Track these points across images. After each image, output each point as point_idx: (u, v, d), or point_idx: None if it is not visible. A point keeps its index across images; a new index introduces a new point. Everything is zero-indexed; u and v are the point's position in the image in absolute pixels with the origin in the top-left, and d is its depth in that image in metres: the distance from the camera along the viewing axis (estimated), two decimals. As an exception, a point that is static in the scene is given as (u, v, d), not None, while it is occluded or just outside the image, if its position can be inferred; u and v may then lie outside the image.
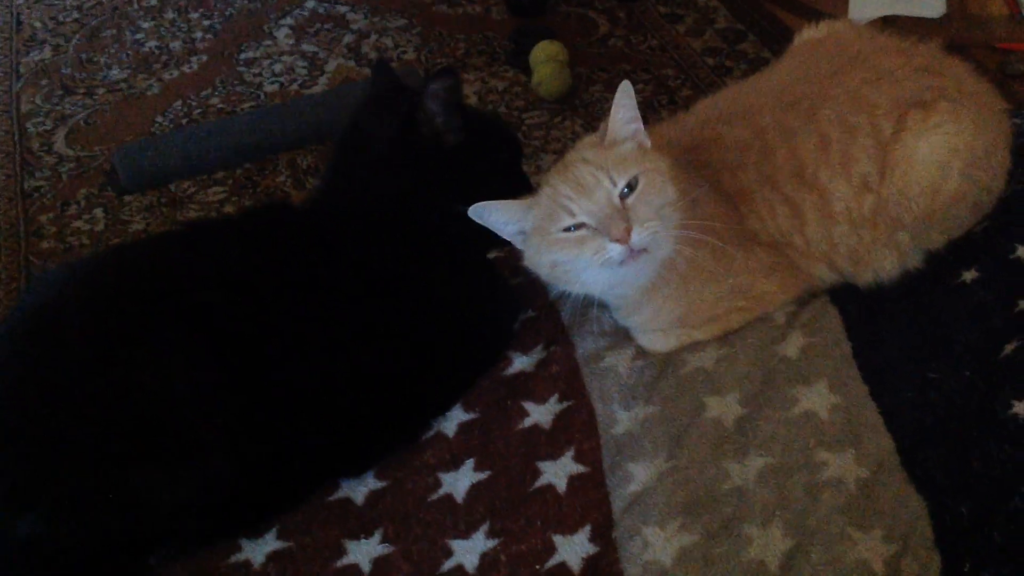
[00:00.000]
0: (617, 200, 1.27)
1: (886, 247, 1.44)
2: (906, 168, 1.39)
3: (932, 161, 1.38)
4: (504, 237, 1.36)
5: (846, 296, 1.47)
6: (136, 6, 2.95)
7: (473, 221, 1.32)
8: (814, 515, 1.22)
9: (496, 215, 1.33)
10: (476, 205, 1.30)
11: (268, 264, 1.34)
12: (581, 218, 1.27)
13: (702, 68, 2.51)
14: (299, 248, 1.38)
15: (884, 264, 1.45)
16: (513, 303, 1.51)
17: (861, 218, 1.41)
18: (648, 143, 1.34)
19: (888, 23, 2.17)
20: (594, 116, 2.36)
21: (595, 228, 1.27)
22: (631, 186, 1.28)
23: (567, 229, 1.28)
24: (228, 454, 1.23)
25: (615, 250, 1.26)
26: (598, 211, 1.27)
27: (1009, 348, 1.34)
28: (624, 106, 1.32)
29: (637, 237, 1.25)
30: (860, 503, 1.22)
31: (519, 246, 1.36)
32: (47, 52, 2.77)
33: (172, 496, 1.22)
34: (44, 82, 2.64)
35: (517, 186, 1.44)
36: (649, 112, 2.38)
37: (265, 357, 1.28)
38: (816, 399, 1.34)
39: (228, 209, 2.18)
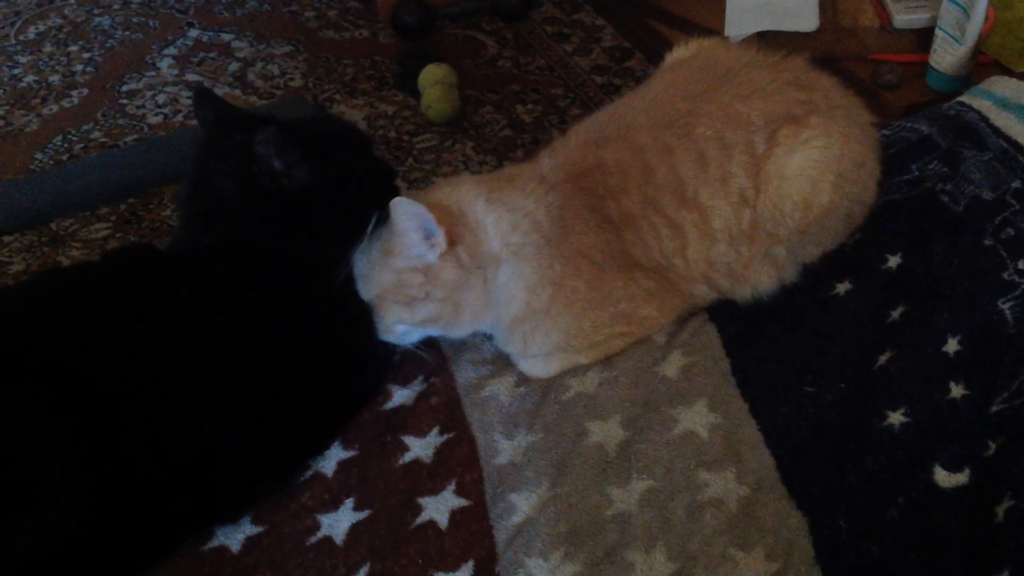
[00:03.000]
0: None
1: (763, 262, 1.45)
2: (779, 183, 1.40)
3: (804, 175, 1.40)
4: None
5: (724, 313, 1.47)
6: (12, 40, 2.87)
7: (344, 256, 1.35)
8: (696, 537, 1.21)
9: None
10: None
11: (131, 308, 1.29)
12: None
13: (591, 86, 2.52)
14: (162, 292, 1.33)
15: (762, 279, 1.46)
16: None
17: (740, 234, 1.42)
18: (431, 260, 1.34)
19: (762, 38, 2.20)
20: (484, 138, 2.36)
21: None
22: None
23: None
24: (81, 506, 1.17)
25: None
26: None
27: (882, 359, 1.36)
28: (404, 230, 1.33)
29: (383, 337, 1.42)
30: (741, 522, 1.22)
31: None
32: (-81, 90, 2.68)
33: (26, 550, 1.16)
34: (-84, 121, 2.55)
35: (371, 212, 1.41)
36: (540, 132, 2.38)
37: (125, 402, 1.23)
38: (696, 419, 1.34)
39: (112, 245, 2.12)
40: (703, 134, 1.41)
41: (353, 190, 1.41)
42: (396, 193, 1.40)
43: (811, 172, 1.39)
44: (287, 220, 1.37)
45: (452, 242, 1.34)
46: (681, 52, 1.62)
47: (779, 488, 1.25)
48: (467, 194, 1.39)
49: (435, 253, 1.33)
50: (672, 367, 1.41)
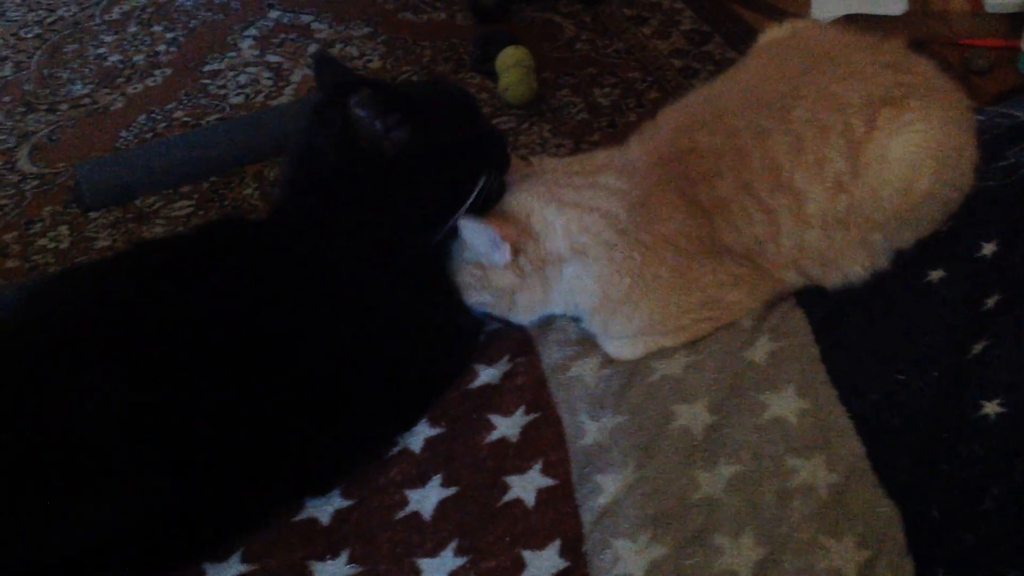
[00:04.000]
0: None
1: (858, 248, 1.43)
2: (879, 167, 1.38)
3: (904, 160, 1.38)
4: None
5: (813, 298, 1.46)
6: (98, 20, 2.92)
7: (433, 231, 1.37)
8: (785, 523, 1.20)
9: None
10: None
11: (223, 281, 1.32)
12: None
13: (669, 70, 2.50)
14: (253, 264, 1.34)
15: (854, 266, 1.44)
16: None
17: (834, 220, 1.40)
18: (499, 262, 1.40)
19: (850, 21, 2.16)
20: (561, 120, 2.35)
21: None
22: None
23: None
24: (175, 476, 1.20)
25: None
26: None
27: (977, 348, 1.34)
28: (473, 244, 1.40)
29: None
30: (832, 509, 1.21)
31: None
32: (8, 69, 2.74)
33: (121, 518, 1.19)
34: (6, 99, 2.61)
35: (472, 165, 1.41)
36: (617, 116, 2.37)
37: (218, 375, 1.25)
38: (785, 404, 1.33)
39: (195, 223, 2.16)
40: (800, 117, 1.39)
41: (456, 154, 1.39)
42: (506, 159, 1.41)
43: (911, 157, 1.37)
44: (387, 184, 1.36)
45: (515, 251, 1.38)
46: (775, 33, 1.61)
47: (870, 476, 1.24)
48: (538, 198, 1.42)
49: (499, 260, 1.39)
50: (760, 352, 1.40)
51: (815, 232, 1.40)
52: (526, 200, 1.42)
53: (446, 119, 1.41)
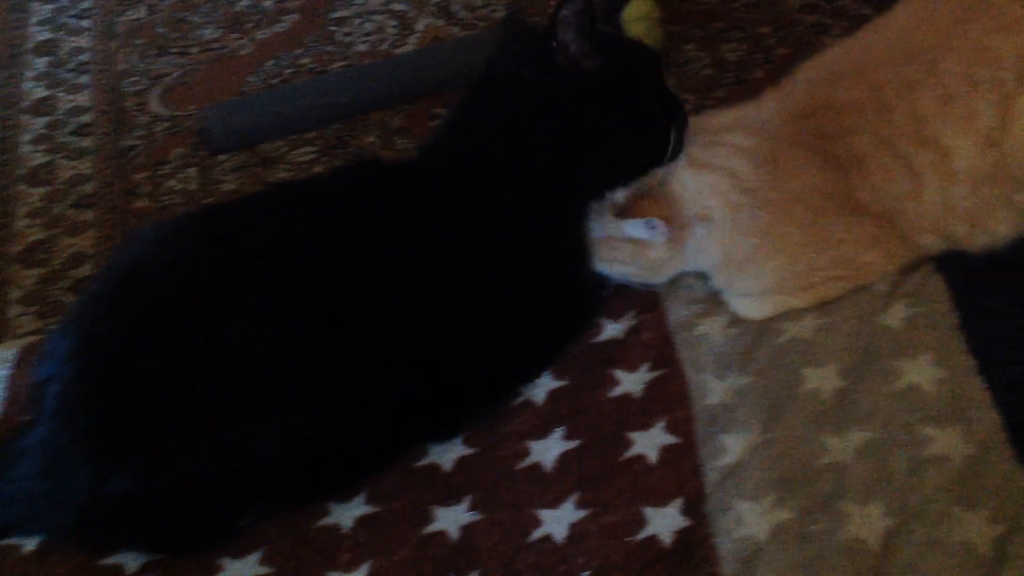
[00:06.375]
0: None
1: (1004, 208, 1.37)
2: None
3: None
4: None
5: (953, 263, 1.41)
6: (228, -35, 2.96)
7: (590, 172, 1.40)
8: (917, 493, 1.17)
9: None
10: None
11: (357, 223, 1.33)
12: None
13: (799, 26, 2.43)
14: (388, 206, 1.36)
15: (1000, 227, 1.38)
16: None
17: (983, 177, 1.35)
18: (659, 241, 1.39)
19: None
20: (686, 76, 2.30)
21: None
22: None
23: None
24: (313, 414, 1.23)
25: None
26: None
27: None
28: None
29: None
30: (966, 482, 1.18)
31: None
32: (142, 11, 2.79)
33: (259, 454, 1.23)
34: (139, 41, 2.66)
35: (664, 104, 1.43)
36: (744, 72, 2.31)
37: (350, 317, 1.27)
38: (921, 372, 1.29)
39: (318, 169, 2.18)
40: (949, 69, 1.34)
41: (640, 84, 1.41)
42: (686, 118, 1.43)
43: None
44: (577, 103, 1.37)
45: (669, 223, 1.37)
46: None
47: (1007, 450, 1.20)
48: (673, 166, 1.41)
49: (659, 240, 1.38)
50: (895, 317, 1.36)
51: (961, 190, 1.35)
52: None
53: (633, 62, 1.43)
